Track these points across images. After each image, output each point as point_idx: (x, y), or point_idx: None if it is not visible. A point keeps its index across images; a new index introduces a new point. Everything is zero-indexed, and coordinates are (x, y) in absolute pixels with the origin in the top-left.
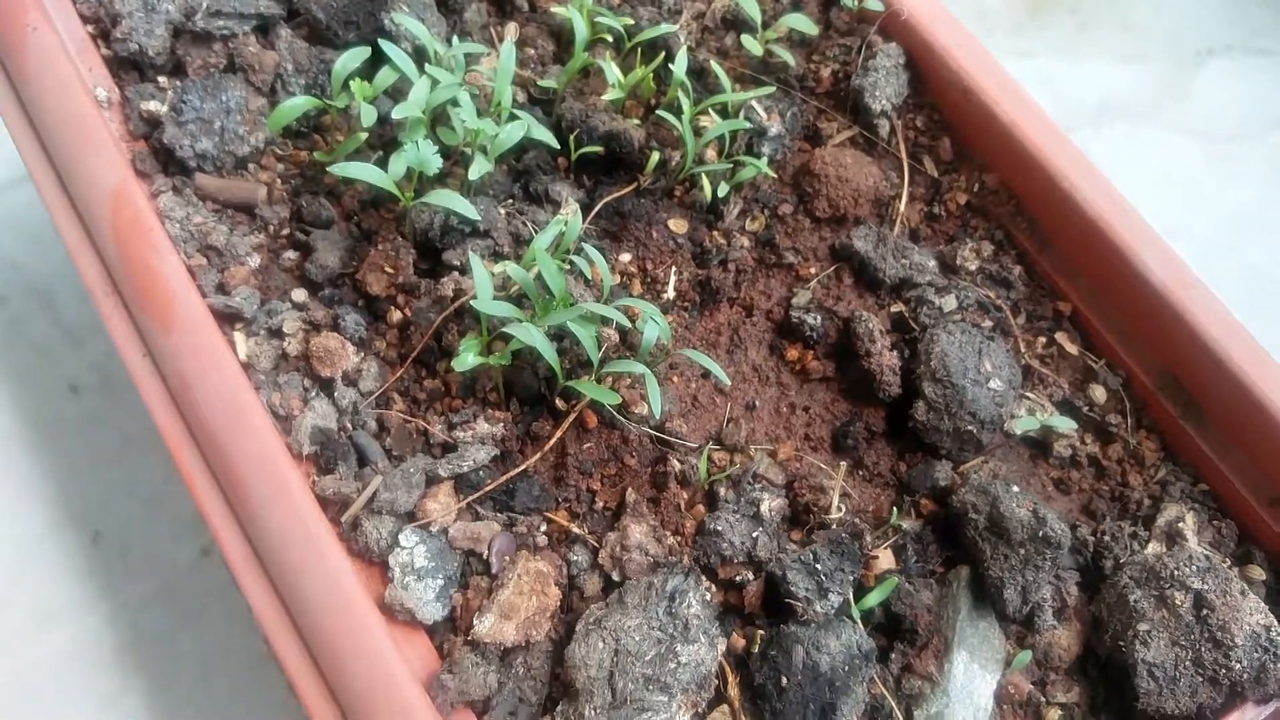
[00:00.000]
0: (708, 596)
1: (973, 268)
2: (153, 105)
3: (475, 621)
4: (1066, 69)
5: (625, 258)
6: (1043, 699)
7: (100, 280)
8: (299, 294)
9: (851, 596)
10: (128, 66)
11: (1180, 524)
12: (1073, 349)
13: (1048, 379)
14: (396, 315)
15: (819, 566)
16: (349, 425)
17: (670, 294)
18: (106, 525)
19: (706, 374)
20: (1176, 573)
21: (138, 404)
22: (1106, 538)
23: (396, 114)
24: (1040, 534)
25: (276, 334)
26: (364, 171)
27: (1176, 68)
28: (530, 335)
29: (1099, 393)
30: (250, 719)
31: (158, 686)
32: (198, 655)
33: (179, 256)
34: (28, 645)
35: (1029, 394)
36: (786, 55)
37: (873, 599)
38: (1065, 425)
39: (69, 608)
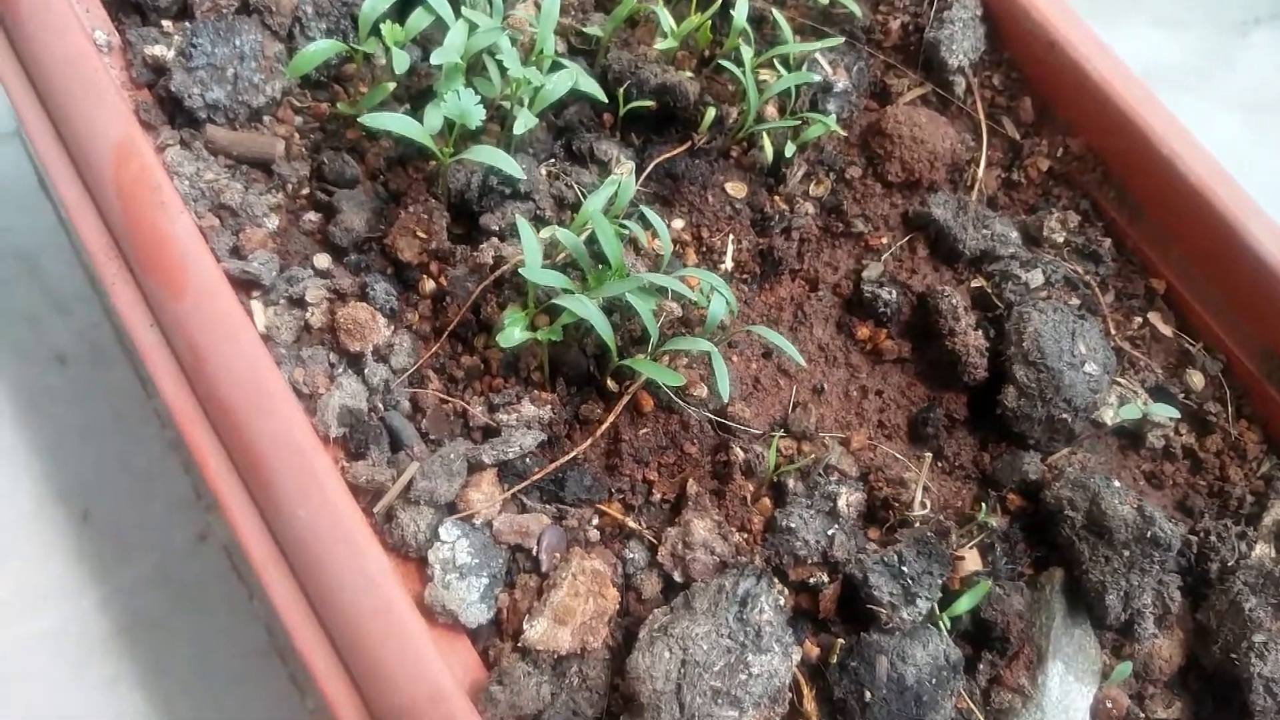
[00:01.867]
0: (780, 601)
1: (1059, 240)
2: (158, 50)
3: (525, 626)
4: (1107, 37)
5: (678, 224)
6: (1142, 715)
7: (102, 241)
8: (322, 260)
9: (937, 602)
10: (128, 8)
11: None
12: (1167, 330)
13: (1140, 363)
14: (430, 285)
15: (905, 569)
16: (380, 405)
17: (728, 264)
18: (97, 504)
19: (769, 353)
20: None
21: (129, 376)
22: (1211, 538)
23: (435, 59)
24: (1148, 534)
25: (298, 303)
26: (399, 123)
27: (1219, 36)
28: (585, 308)
29: (1196, 378)
30: (249, 709)
31: (152, 674)
32: (194, 642)
33: (190, 216)
34: (15, 629)
35: (1120, 379)
36: (852, 5)
37: (963, 605)
38: (1166, 414)
39: (59, 590)
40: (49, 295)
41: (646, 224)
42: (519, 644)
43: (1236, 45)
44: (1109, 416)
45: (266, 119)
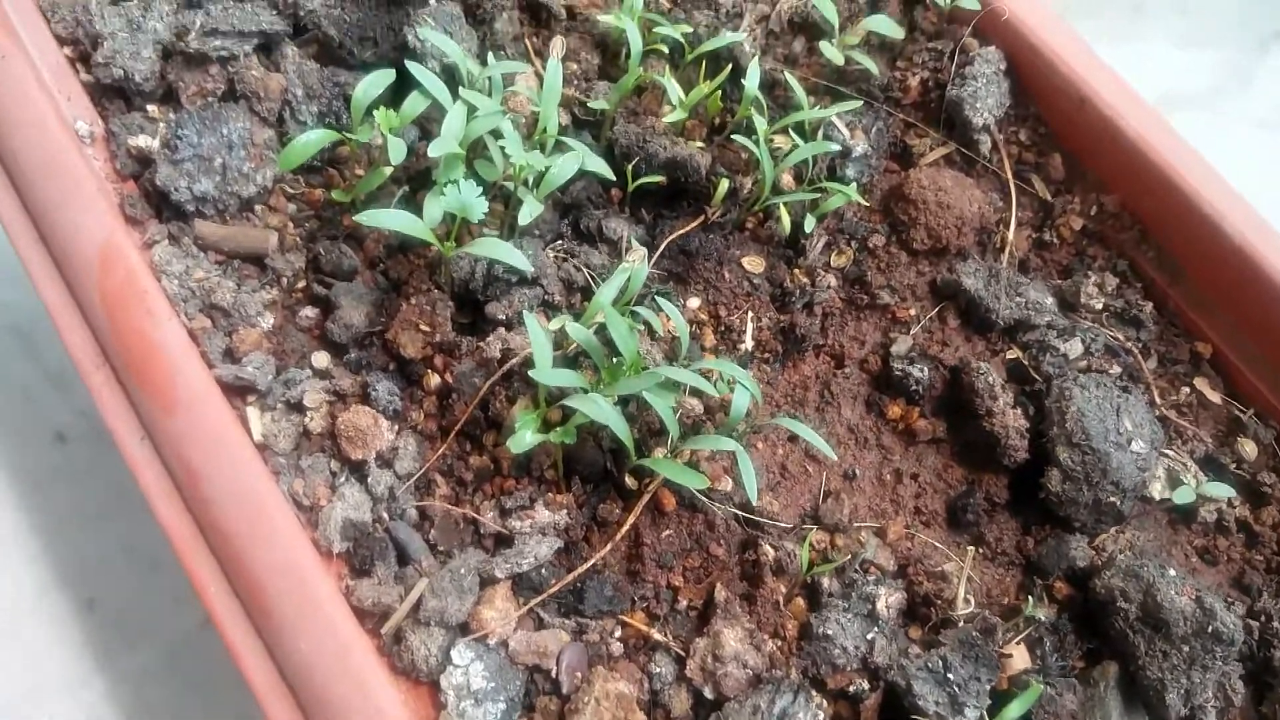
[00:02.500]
0: (820, 716)
1: (1098, 306)
2: (142, 141)
3: None
4: (1121, 56)
5: (694, 303)
6: None
7: (88, 350)
8: (320, 358)
9: (986, 709)
10: (112, 94)
11: None
12: (1215, 396)
13: (1188, 432)
14: (435, 380)
15: (950, 675)
16: (385, 516)
17: (748, 344)
18: (101, 589)
19: (795, 438)
20: None
21: None
22: (1274, 622)
23: (433, 151)
24: (1209, 629)
25: (296, 408)
26: (396, 220)
27: (1241, 53)
28: (600, 410)
29: (1248, 447)
30: None
31: None
32: None
33: (179, 320)
34: None
35: (1168, 450)
36: (868, 62)
37: (1013, 711)
38: (1222, 493)
39: (62, 681)
40: (46, 371)
41: (659, 307)
42: None
43: (1256, 63)
44: (1157, 491)
45: (258, 208)
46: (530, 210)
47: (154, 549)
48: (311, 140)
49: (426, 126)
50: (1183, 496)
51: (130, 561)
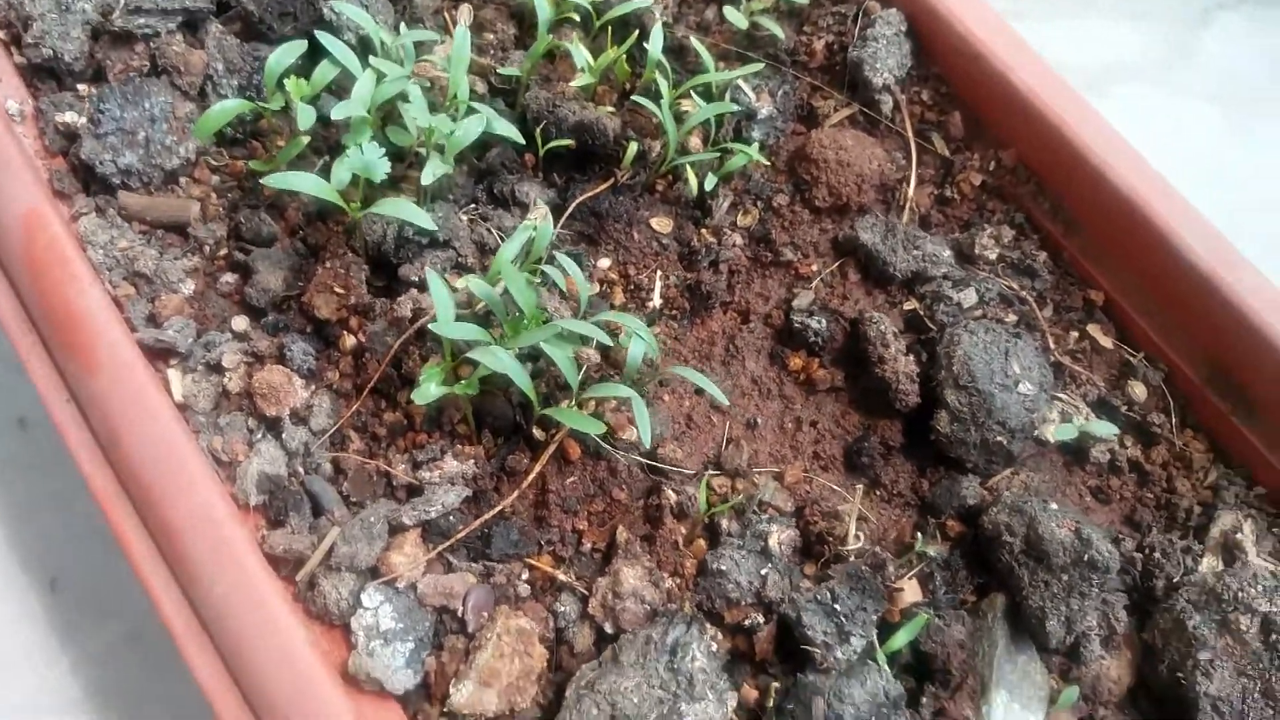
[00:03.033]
0: (713, 646)
1: (992, 256)
2: (69, 116)
3: (452, 689)
4: (1064, 30)
5: (604, 263)
6: None
7: (15, 317)
8: (240, 322)
9: (875, 637)
10: (43, 74)
11: (1238, 534)
12: (1107, 342)
13: (1081, 377)
14: (350, 341)
15: (838, 606)
16: (300, 470)
17: (656, 301)
18: (65, 569)
19: (701, 390)
20: (1240, 594)
21: None
22: (1156, 554)
23: (336, 114)
24: (1085, 557)
25: (216, 369)
26: (303, 182)
27: (1185, 24)
28: (499, 360)
29: (1138, 389)
30: None
31: None
32: (169, 706)
33: (103, 287)
34: None
35: (1061, 394)
36: (774, 27)
37: (900, 639)
38: (1105, 430)
39: (29, 660)
40: (4, 356)
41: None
42: (445, 709)
43: (1198, 33)
44: (1050, 434)
45: (182, 180)
46: (434, 170)
47: None
48: (226, 109)
49: (344, 97)
50: (1064, 433)
51: (93, 543)
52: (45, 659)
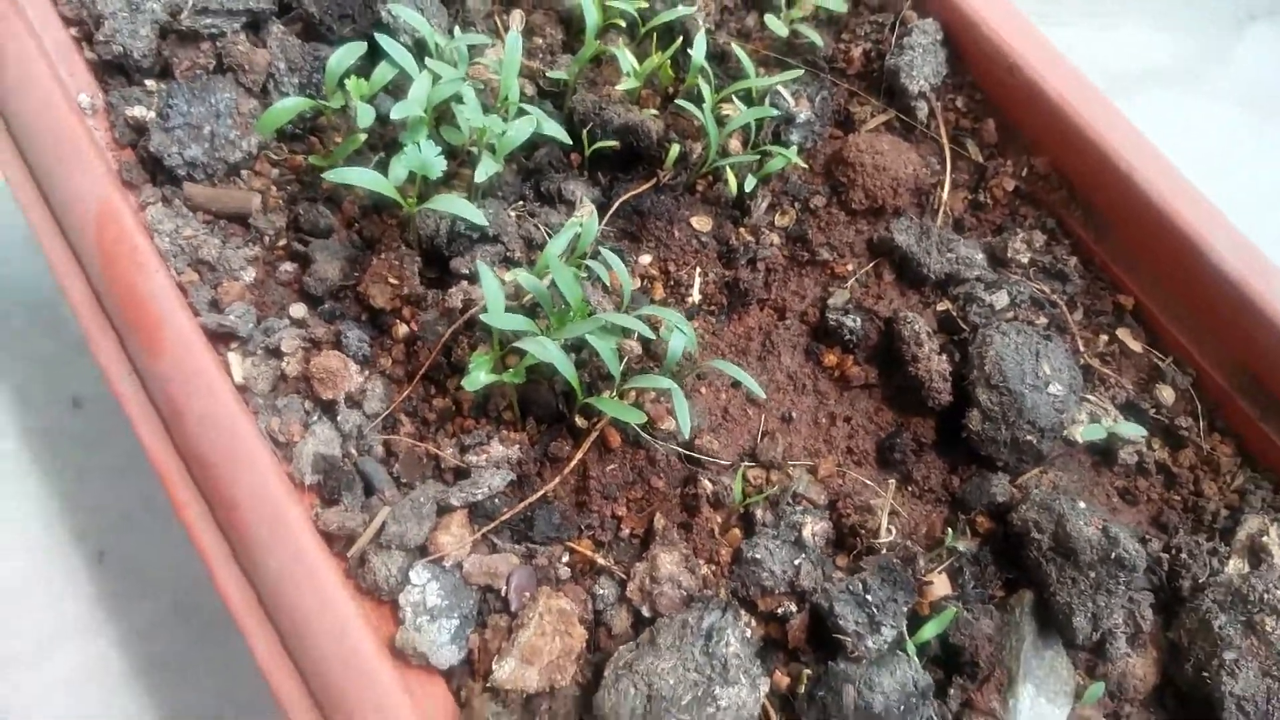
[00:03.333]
0: (747, 633)
1: (1024, 260)
2: (138, 111)
3: (495, 666)
4: (1100, 36)
5: (646, 259)
6: None
7: (86, 300)
8: (298, 309)
9: (905, 629)
10: (113, 70)
11: (1264, 538)
12: (1136, 346)
13: (1110, 380)
14: (402, 329)
15: (869, 597)
16: (354, 451)
17: (695, 297)
18: (112, 544)
19: (738, 384)
20: (1266, 595)
21: None
22: (1182, 555)
23: (395, 114)
24: (1112, 555)
25: (274, 353)
26: (362, 177)
27: (1217, 32)
28: (546, 350)
29: (1167, 393)
30: None
31: (174, 711)
32: (214, 676)
33: (168, 274)
34: (32, 671)
35: (1090, 396)
36: (814, 35)
37: (929, 631)
38: (1133, 432)
39: (76, 631)
40: (62, 339)
41: (610, 264)
42: (489, 684)
43: (1232, 42)
44: (1079, 434)
45: (244, 173)
46: (486, 168)
47: (165, 506)
48: (288, 106)
49: (400, 97)
50: (1093, 433)
51: (141, 516)
52: (92, 631)
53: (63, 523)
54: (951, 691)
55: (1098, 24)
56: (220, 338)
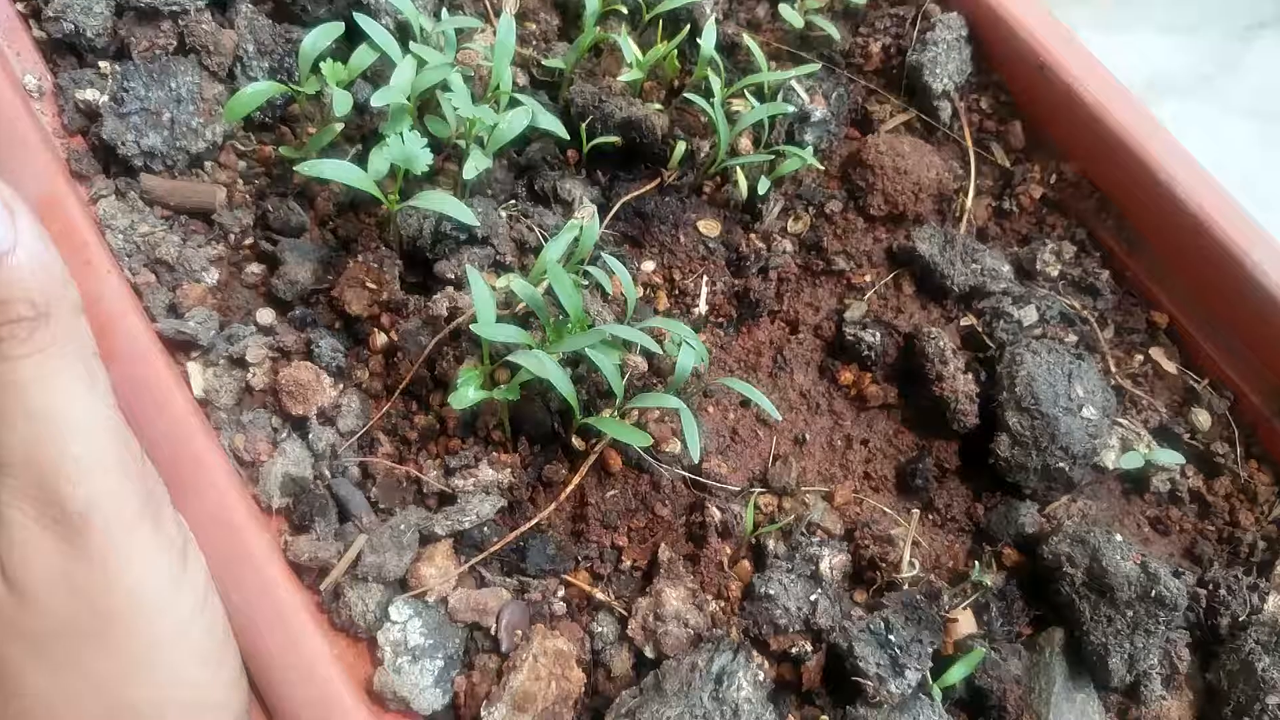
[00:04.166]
0: (760, 675)
1: (1054, 273)
2: (90, 94)
3: (483, 712)
4: (1107, 42)
5: (648, 266)
6: None
7: None
8: (265, 315)
9: (929, 671)
10: (63, 50)
11: None
12: (1170, 366)
13: (1142, 402)
14: (381, 339)
15: (892, 637)
16: (327, 473)
17: (702, 308)
18: None
19: (747, 402)
20: None
21: None
22: (1221, 591)
23: (376, 101)
24: (1152, 593)
25: (239, 363)
26: (338, 171)
27: (1226, 41)
28: (542, 366)
29: (1202, 417)
30: None
31: None
32: None
33: (120, 274)
34: None
35: (1121, 419)
36: (830, 27)
37: (956, 674)
38: (1170, 460)
39: None
40: None
41: (612, 270)
42: None
43: (1242, 50)
44: (1110, 460)
45: (208, 165)
46: (476, 164)
47: None
48: (259, 91)
49: (380, 84)
50: (1131, 462)
51: None
52: None
53: None
54: None
55: (1105, 32)
56: (179, 346)
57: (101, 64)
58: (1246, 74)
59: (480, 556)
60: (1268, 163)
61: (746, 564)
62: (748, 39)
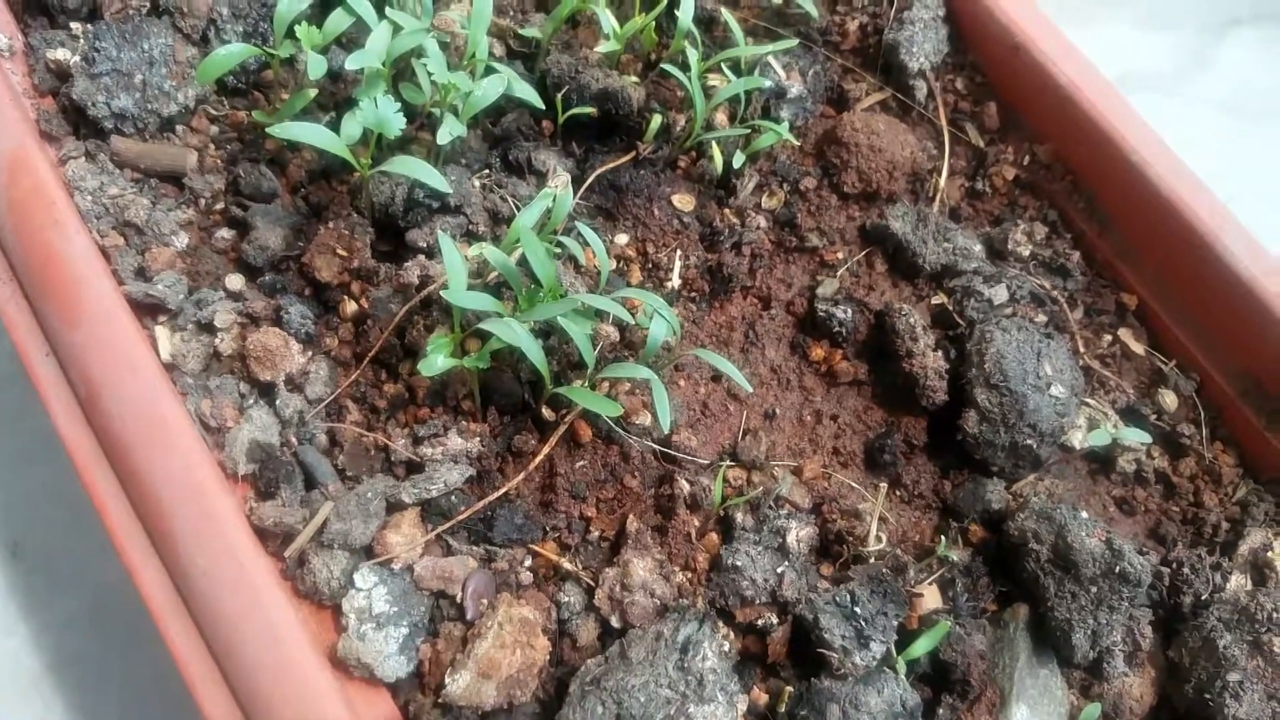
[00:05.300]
0: (725, 646)
1: (1024, 253)
2: (61, 54)
3: (447, 679)
4: (1080, 37)
5: (622, 239)
6: None
7: None
8: (234, 280)
9: (893, 644)
10: (34, 9)
11: (1268, 553)
12: (1138, 348)
13: (1110, 382)
14: (351, 307)
15: (858, 610)
16: (294, 439)
17: (675, 282)
18: (27, 536)
19: (718, 376)
20: (1275, 614)
21: None
22: (1184, 569)
23: (351, 64)
24: (1116, 569)
25: (207, 328)
26: (311, 134)
27: (1199, 37)
28: (513, 334)
29: (1169, 399)
30: None
31: (82, 714)
32: (128, 682)
33: (89, 235)
34: None
35: (1089, 400)
36: (808, 4)
37: (921, 647)
38: (1136, 438)
39: None
40: None
41: (586, 240)
42: (440, 699)
43: (1216, 46)
44: (1078, 440)
45: (179, 128)
46: (450, 130)
47: (83, 494)
48: (231, 53)
49: (353, 51)
50: (1098, 439)
51: (57, 507)
52: (5, 627)
53: None
54: (941, 711)
55: (1078, 26)
56: (147, 309)
57: (73, 25)
58: (1220, 69)
59: (447, 525)
60: (1238, 158)
61: (714, 536)
62: (725, 14)
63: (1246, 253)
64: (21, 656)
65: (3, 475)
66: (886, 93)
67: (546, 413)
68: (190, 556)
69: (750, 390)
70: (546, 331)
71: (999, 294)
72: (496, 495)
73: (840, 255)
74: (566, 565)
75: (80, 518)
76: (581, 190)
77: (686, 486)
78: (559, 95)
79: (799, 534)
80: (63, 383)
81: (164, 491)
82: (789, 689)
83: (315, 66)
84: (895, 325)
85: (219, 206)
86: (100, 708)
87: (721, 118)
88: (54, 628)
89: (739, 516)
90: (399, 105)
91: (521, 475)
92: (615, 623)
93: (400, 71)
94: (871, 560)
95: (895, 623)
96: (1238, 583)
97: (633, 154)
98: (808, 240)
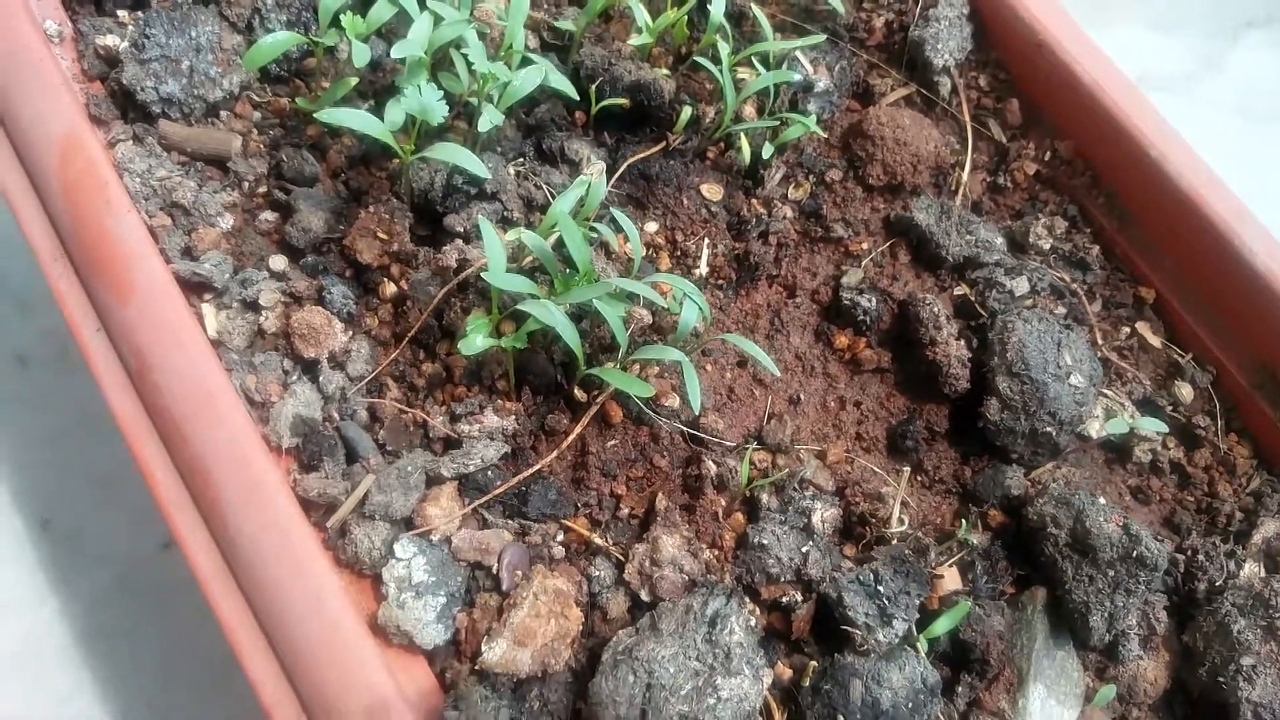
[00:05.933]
0: (751, 621)
1: (1045, 247)
2: (110, 41)
3: (484, 647)
4: (1096, 37)
5: (651, 227)
6: None
7: (47, 242)
8: (278, 261)
9: (914, 623)
10: None
11: None
12: (1155, 340)
13: (1127, 374)
14: (390, 288)
15: (881, 589)
16: (336, 415)
17: (703, 270)
18: (58, 511)
19: (744, 362)
20: None
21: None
22: (1199, 557)
23: (396, 53)
24: (1133, 554)
25: (252, 307)
26: (357, 119)
27: (1213, 39)
28: (550, 315)
29: (1185, 391)
30: None
31: (113, 685)
32: (157, 654)
33: (139, 215)
34: None
35: (1107, 391)
36: (835, 1)
37: (941, 626)
38: (1152, 428)
39: (18, 600)
40: (9, 294)
41: (618, 227)
42: (477, 666)
43: (1229, 48)
44: (1095, 430)
45: (224, 114)
46: (490, 118)
47: (113, 471)
48: (276, 41)
49: (394, 41)
50: (1116, 427)
51: (87, 484)
52: (36, 599)
53: (6, 487)
54: (959, 690)
55: (1092, 27)
56: (194, 287)
57: (120, 12)
58: (1233, 72)
59: (483, 499)
60: (1250, 158)
61: (740, 516)
62: (755, 9)
63: (1264, 249)
64: (54, 626)
65: (35, 453)
66: (911, 88)
67: (579, 393)
68: (237, 525)
69: (777, 374)
70: (579, 315)
71: (1020, 286)
72: (530, 472)
73: (865, 246)
74: (597, 540)
75: (110, 494)
76: (613, 179)
77: (714, 467)
78: (592, 87)
79: (823, 515)
80: (113, 357)
81: (212, 462)
82: (813, 664)
83: (360, 55)
84: (919, 314)
85: (262, 190)
86: (129, 677)
87: (750, 110)
88: (84, 599)
89: (764, 498)
90: (441, 94)
91: (554, 453)
92: (645, 596)
93: (439, 62)
94: (894, 542)
95: (917, 602)
96: (1251, 570)
97: (663, 144)
98: (833, 230)
